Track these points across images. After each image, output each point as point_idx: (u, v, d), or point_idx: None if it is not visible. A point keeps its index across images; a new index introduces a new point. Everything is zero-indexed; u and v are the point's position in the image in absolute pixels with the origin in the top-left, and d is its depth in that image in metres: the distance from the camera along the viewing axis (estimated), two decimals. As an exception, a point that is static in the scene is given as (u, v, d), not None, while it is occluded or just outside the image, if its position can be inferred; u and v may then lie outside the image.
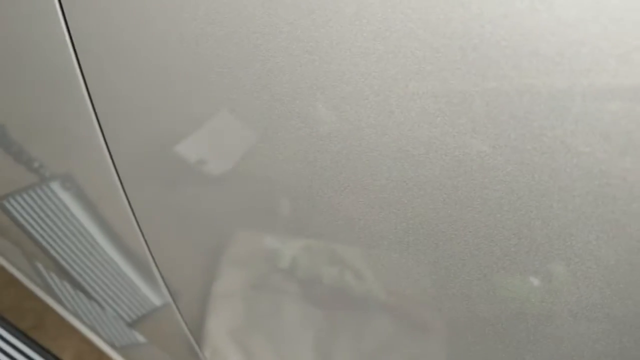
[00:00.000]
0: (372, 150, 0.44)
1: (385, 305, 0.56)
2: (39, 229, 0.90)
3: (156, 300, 0.81)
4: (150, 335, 0.97)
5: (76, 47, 0.54)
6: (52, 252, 0.92)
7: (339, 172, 0.47)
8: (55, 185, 0.79)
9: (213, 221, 0.62)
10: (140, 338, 1.02)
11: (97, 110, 0.57)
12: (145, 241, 0.66)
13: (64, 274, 0.95)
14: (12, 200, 0.89)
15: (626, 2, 0.30)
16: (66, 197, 0.78)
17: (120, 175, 0.60)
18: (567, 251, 0.38)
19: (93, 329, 1.11)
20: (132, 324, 0.93)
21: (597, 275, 0.38)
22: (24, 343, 1.18)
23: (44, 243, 0.92)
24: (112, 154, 0.59)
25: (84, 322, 1.13)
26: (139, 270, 0.75)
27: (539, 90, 0.34)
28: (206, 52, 0.47)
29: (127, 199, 0.62)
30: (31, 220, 0.90)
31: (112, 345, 1.11)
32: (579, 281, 0.39)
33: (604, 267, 0.37)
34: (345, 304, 0.60)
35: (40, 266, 1.06)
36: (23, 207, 0.88)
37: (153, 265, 0.69)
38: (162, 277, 0.70)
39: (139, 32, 0.49)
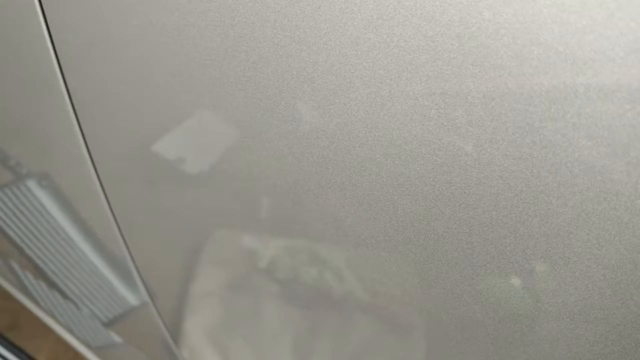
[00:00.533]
0: (356, 148, 0.43)
1: (366, 306, 0.56)
2: (14, 227, 0.88)
3: (133, 300, 0.80)
4: (127, 335, 0.96)
5: (54, 42, 0.52)
6: (28, 250, 0.90)
7: (321, 170, 0.46)
8: (32, 183, 0.78)
9: (192, 220, 0.61)
10: (116, 338, 1.01)
11: (75, 107, 0.55)
12: (124, 240, 0.65)
13: (39, 273, 0.93)
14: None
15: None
16: (43, 195, 0.77)
17: (99, 173, 0.59)
18: (566, 250, 0.37)
19: (68, 328, 1.10)
20: (109, 324, 0.92)
21: (597, 275, 0.36)
22: (-1, 343, 1.16)
23: (18, 241, 0.90)
24: (91, 151, 0.57)
25: (59, 322, 1.11)
26: (116, 269, 0.73)
27: (540, 81, 0.32)
28: (187, 45, 0.45)
29: (106, 197, 0.61)
30: (6, 218, 0.88)
31: (88, 345, 1.11)
32: (577, 281, 0.37)
33: (604, 267, 0.36)
34: (325, 304, 0.59)
35: (15, 265, 1.05)
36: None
37: (131, 264, 0.68)
38: (141, 277, 0.69)
39: (118, 26, 0.48)
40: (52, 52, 0.52)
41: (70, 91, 0.54)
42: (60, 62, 0.53)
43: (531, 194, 0.36)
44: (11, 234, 0.90)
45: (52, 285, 0.94)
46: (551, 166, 0.34)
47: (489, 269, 0.41)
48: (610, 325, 0.38)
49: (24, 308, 1.27)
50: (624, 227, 0.34)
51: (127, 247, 0.65)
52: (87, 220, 0.71)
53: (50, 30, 0.51)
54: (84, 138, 0.56)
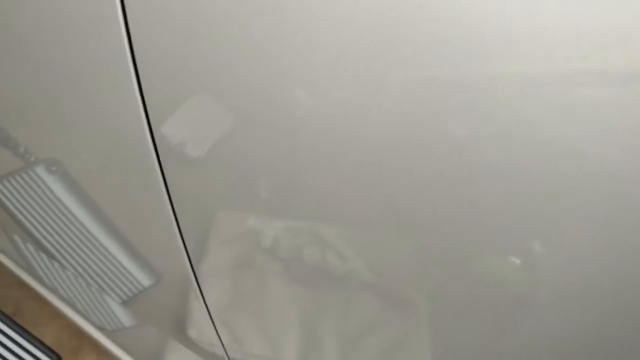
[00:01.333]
0: (354, 130, 0.43)
1: (368, 284, 0.57)
2: (27, 214, 0.87)
3: (147, 280, 0.81)
4: (144, 314, 0.96)
5: (132, 42, 0.49)
6: (43, 240, 0.89)
7: (321, 152, 0.47)
8: (40, 169, 0.78)
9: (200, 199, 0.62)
10: (128, 321, 1.01)
11: (148, 108, 0.54)
12: (175, 214, 0.64)
13: (49, 255, 0.91)
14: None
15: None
16: (51, 180, 0.77)
17: (161, 157, 0.58)
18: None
19: (82, 314, 1.09)
20: (126, 303, 0.91)
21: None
22: (7, 326, 1.16)
23: (31, 227, 0.89)
24: (155, 135, 0.56)
25: (76, 310, 1.09)
26: (159, 243, 0.73)
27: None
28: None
29: (165, 181, 0.60)
30: (16, 202, 0.87)
31: (100, 329, 1.10)
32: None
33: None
34: (328, 282, 0.60)
35: (18, 239, 1.03)
36: (10, 191, 0.86)
37: (179, 236, 0.67)
38: (186, 248, 0.67)
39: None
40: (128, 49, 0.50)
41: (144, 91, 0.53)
42: (137, 63, 0.51)
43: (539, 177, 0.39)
44: (24, 220, 0.88)
45: (68, 268, 0.92)
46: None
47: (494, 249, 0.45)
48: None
49: (27, 296, 1.28)
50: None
51: (176, 218, 0.64)
52: (140, 201, 0.69)
53: (131, 32, 0.49)
54: (148, 118, 0.55)
